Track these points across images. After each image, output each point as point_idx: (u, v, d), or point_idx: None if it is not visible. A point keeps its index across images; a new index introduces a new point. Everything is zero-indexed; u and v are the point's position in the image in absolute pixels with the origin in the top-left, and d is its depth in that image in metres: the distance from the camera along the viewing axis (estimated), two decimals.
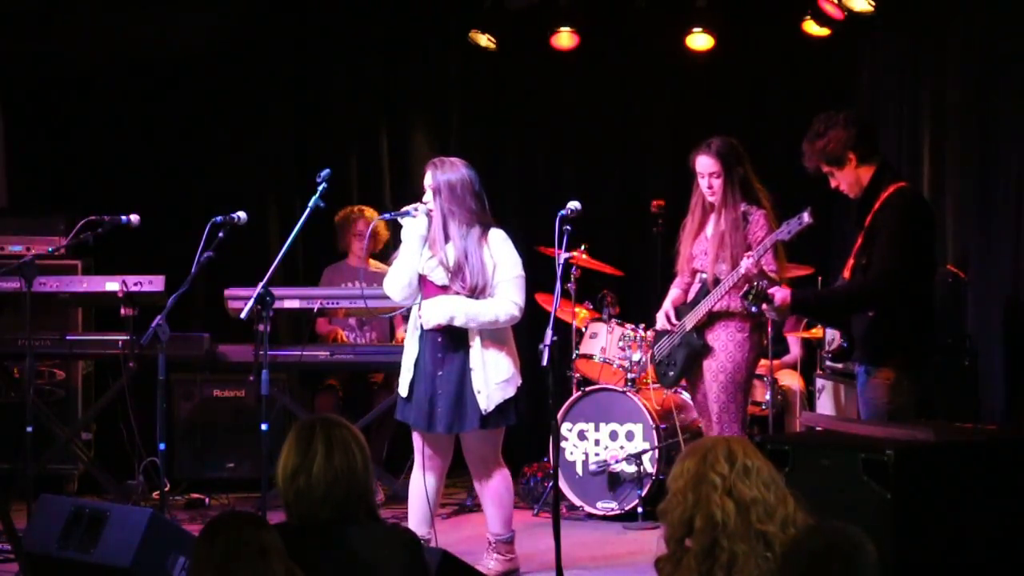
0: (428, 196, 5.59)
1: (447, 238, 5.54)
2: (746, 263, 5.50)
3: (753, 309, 5.18)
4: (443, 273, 5.53)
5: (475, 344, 5.51)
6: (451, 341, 5.52)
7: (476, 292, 5.48)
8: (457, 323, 5.48)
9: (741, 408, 5.85)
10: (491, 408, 5.50)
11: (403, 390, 5.63)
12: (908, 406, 4.86)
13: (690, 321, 5.87)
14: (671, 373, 6.04)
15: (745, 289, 5.10)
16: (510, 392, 5.54)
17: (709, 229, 5.90)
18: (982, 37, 6.85)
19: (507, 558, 5.75)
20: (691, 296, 5.97)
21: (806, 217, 5.22)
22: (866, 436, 4.38)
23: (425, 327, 5.54)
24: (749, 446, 3.16)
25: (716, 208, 5.86)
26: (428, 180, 5.60)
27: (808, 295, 5.18)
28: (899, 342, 4.88)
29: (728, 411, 5.78)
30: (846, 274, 5.04)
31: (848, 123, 4.96)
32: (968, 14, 6.96)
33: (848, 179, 4.99)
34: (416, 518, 5.64)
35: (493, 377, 5.50)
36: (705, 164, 5.85)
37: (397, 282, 5.60)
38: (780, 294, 5.02)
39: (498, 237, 5.56)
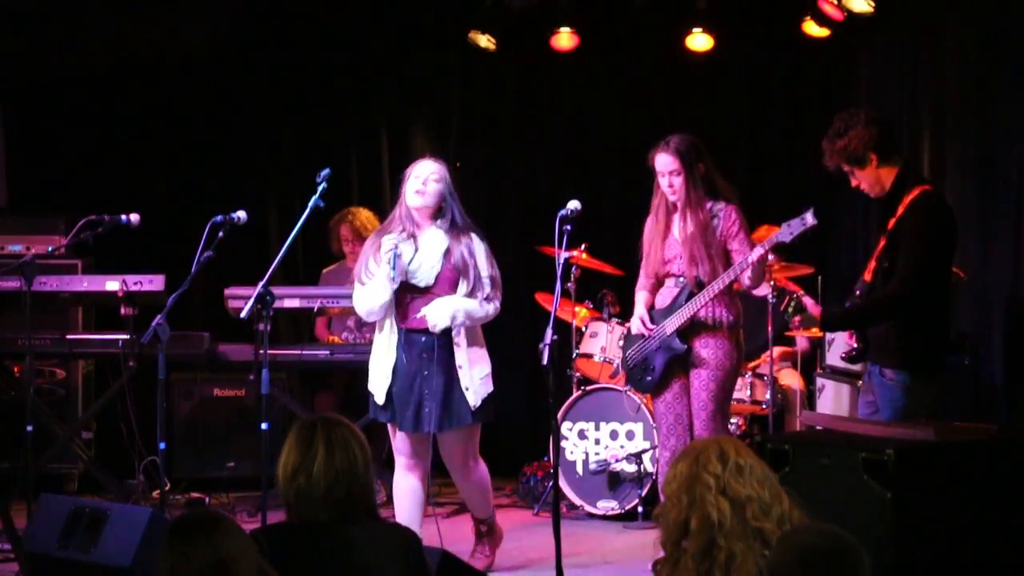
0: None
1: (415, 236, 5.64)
2: (758, 251, 5.38)
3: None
4: (427, 274, 5.56)
5: (461, 342, 5.56)
6: (433, 342, 5.54)
7: (472, 291, 5.58)
8: (457, 323, 5.53)
9: (727, 417, 5.90)
10: (478, 403, 5.59)
11: (379, 397, 5.61)
12: (923, 408, 4.87)
13: (671, 325, 5.68)
14: (648, 379, 5.80)
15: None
16: (491, 387, 5.65)
17: (675, 231, 5.74)
18: (982, 37, 6.86)
19: (493, 540, 5.97)
20: (666, 300, 5.77)
21: (809, 218, 5.17)
22: (866, 436, 4.38)
23: (435, 331, 5.52)
24: (741, 445, 3.17)
25: (680, 208, 5.70)
26: (426, 170, 5.60)
27: (835, 313, 5.15)
28: (916, 345, 4.88)
29: (716, 419, 5.66)
30: (867, 276, 5.03)
31: (869, 122, 4.92)
32: (967, 14, 6.97)
33: (869, 179, 4.96)
34: (404, 518, 5.65)
35: (477, 373, 5.60)
36: (664, 163, 5.71)
37: (376, 301, 5.56)
38: (812, 307, 5.03)
39: (477, 237, 5.67)
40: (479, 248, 5.64)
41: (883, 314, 4.95)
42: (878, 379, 4.96)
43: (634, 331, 5.88)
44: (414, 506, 5.69)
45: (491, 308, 5.63)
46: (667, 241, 5.75)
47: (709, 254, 5.61)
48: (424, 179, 5.59)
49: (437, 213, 5.61)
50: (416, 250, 5.58)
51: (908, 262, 4.83)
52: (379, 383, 5.61)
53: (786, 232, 5.24)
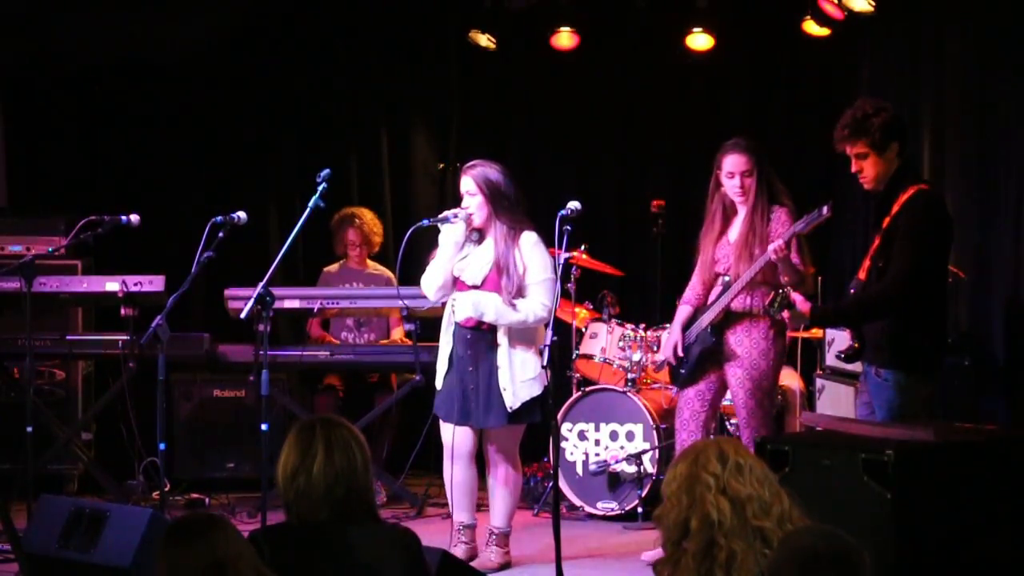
0: (466, 201, 5.73)
1: (484, 238, 5.76)
2: (775, 244, 5.43)
3: (776, 316, 5.18)
4: (475, 273, 5.71)
5: (503, 342, 5.68)
6: (480, 338, 5.71)
7: (512, 293, 5.66)
8: (487, 319, 5.66)
9: (769, 412, 5.88)
10: (517, 405, 5.67)
11: (438, 382, 5.84)
12: (919, 408, 4.86)
13: (707, 318, 5.82)
14: (683, 371, 5.95)
15: (771, 297, 5.08)
16: (536, 390, 5.68)
17: (732, 232, 5.83)
18: (982, 36, 6.85)
19: (504, 551, 5.91)
20: (712, 299, 5.88)
21: (825, 210, 5.23)
22: (866, 436, 4.38)
23: (456, 320, 5.73)
24: (740, 445, 3.18)
25: (747, 208, 5.78)
26: (468, 185, 5.73)
27: (827, 309, 5.18)
28: (911, 345, 4.88)
29: (756, 416, 5.75)
30: (861, 275, 5.02)
31: (895, 112, 4.99)
32: (967, 14, 6.96)
33: (878, 167, 4.94)
34: (459, 505, 5.87)
35: (519, 375, 5.66)
36: (738, 162, 5.77)
37: (433, 283, 5.79)
38: (802, 303, 5.02)
39: (529, 240, 5.73)
40: (527, 252, 5.70)
41: (873, 311, 4.94)
42: (873, 379, 4.96)
43: (661, 356, 5.97)
44: (460, 494, 5.84)
45: (528, 312, 5.64)
46: (719, 243, 5.84)
47: (756, 253, 5.67)
48: (463, 198, 5.75)
49: (492, 218, 5.73)
50: (476, 247, 5.76)
51: (900, 260, 4.83)
52: (439, 370, 5.83)
53: (803, 223, 5.34)
